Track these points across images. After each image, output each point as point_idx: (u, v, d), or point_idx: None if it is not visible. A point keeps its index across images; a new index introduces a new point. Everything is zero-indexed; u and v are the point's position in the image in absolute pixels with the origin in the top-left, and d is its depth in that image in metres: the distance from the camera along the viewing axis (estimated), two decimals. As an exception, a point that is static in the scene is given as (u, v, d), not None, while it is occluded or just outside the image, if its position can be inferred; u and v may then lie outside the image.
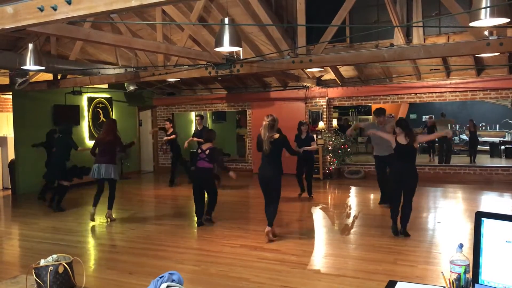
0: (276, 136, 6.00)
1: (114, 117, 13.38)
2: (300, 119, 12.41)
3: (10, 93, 10.86)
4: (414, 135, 6.20)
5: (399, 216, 6.20)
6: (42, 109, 11.36)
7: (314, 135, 9.89)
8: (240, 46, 5.59)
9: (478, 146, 14.44)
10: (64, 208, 8.74)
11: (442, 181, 11.02)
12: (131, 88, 11.43)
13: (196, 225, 7.20)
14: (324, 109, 12.47)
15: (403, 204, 6.14)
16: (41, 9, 2.61)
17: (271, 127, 5.97)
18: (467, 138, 16.32)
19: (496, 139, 15.81)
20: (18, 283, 2.45)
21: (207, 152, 7.05)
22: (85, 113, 12.66)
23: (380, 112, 8.07)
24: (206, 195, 7.34)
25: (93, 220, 7.64)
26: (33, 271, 2.36)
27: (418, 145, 6.47)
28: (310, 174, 9.45)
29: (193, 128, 16.21)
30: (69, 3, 2.52)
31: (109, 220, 7.75)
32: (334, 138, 12.12)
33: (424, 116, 17.33)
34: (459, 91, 11.03)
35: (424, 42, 8.76)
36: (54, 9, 2.57)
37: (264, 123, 6.01)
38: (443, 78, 11.05)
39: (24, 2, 2.69)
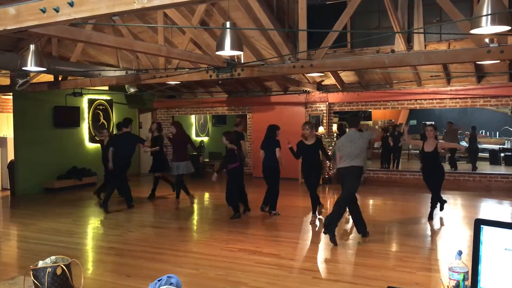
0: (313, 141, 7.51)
1: (114, 120, 13.42)
2: (301, 124, 12.45)
3: (11, 94, 10.87)
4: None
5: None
6: (43, 110, 11.37)
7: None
8: (241, 50, 5.60)
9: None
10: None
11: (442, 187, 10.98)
12: (132, 90, 11.44)
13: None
14: (324, 114, 12.47)
15: None
16: (44, 11, 2.61)
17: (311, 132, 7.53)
18: (466, 145, 16.31)
19: (496, 146, 15.80)
20: (16, 284, 2.44)
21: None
22: (86, 114, 12.67)
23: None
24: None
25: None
26: (31, 272, 2.35)
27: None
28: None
29: (193, 132, 16.24)
30: (71, 5, 2.53)
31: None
32: (334, 143, 12.11)
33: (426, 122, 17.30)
34: (460, 98, 11.05)
35: (425, 48, 8.77)
36: (57, 10, 2.57)
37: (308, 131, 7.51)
38: (444, 84, 11.07)
39: (26, 3, 2.70)
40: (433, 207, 7.68)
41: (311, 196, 7.58)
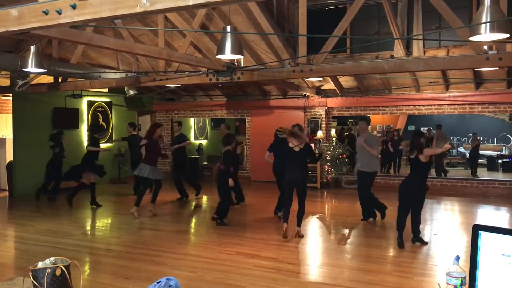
0: (302, 145, 6.68)
1: (113, 122, 13.41)
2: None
3: (11, 95, 10.87)
4: (417, 146, 6.16)
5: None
6: (42, 111, 11.37)
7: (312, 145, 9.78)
8: (242, 54, 5.63)
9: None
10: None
11: (439, 193, 11.03)
12: (131, 92, 11.45)
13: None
14: (323, 119, 12.50)
15: (411, 216, 6.30)
16: (46, 13, 2.63)
17: (297, 135, 6.70)
18: (464, 151, 16.37)
19: (494, 153, 15.85)
20: (15, 285, 2.45)
21: (222, 154, 7.47)
22: (85, 116, 12.66)
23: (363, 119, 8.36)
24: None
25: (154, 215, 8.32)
26: (30, 273, 2.35)
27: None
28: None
29: (192, 135, 16.25)
30: (74, 7, 2.54)
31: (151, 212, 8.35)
32: (332, 148, 12.14)
33: (422, 128, 17.38)
34: (458, 104, 11.08)
35: (424, 54, 8.82)
36: (59, 13, 2.58)
37: (290, 131, 6.71)
38: (442, 90, 11.11)
39: (29, 6, 2.71)
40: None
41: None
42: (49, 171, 10.07)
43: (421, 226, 7.39)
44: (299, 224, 6.83)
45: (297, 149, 6.66)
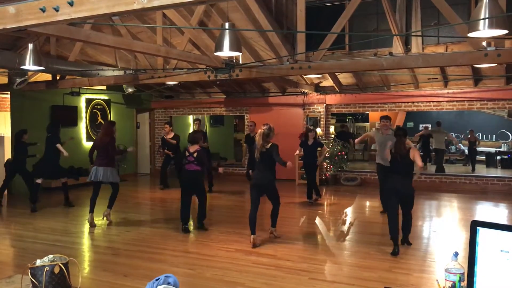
0: (268, 146, 6.09)
1: (112, 119, 13.38)
2: (299, 125, 12.52)
3: (8, 92, 10.84)
4: (402, 145, 5.84)
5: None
6: (40, 109, 11.35)
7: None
8: (240, 51, 5.61)
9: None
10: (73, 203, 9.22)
11: (438, 190, 11.05)
12: (130, 90, 11.42)
13: (183, 231, 7.03)
14: (322, 116, 12.50)
15: (403, 216, 5.96)
16: (43, 10, 2.61)
17: (266, 136, 6.08)
18: (463, 148, 16.39)
19: (492, 149, 15.87)
20: (13, 283, 2.45)
21: (195, 154, 6.98)
22: (83, 114, 12.65)
23: (384, 117, 8.13)
24: (194, 200, 7.20)
25: (93, 226, 7.46)
26: (29, 271, 2.35)
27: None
28: (313, 179, 9.53)
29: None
30: (71, 4, 2.53)
31: (105, 218, 7.69)
32: (331, 144, 12.14)
33: (421, 125, 17.40)
34: (457, 101, 11.08)
35: (423, 51, 8.82)
36: (56, 10, 2.57)
37: (260, 130, 6.13)
38: (441, 87, 11.11)
39: (26, 3, 2.70)
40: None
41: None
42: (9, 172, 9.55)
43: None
44: (273, 224, 6.55)
45: (263, 149, 6.10)
